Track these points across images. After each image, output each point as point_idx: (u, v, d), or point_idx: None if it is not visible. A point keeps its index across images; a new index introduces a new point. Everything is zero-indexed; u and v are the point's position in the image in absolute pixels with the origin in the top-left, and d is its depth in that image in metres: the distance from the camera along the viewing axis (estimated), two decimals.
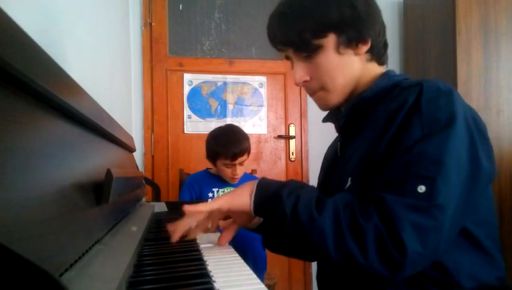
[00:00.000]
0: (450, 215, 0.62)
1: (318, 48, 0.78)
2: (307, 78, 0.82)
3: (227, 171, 1.67)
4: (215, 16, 2.49)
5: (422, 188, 0.62)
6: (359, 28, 0.78)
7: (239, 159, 1.64)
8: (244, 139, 1.67)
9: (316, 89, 0.83)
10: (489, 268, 0.72)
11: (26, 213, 0.33)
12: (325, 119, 0.96)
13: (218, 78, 2.48)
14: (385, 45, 0.86)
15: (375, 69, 0.84)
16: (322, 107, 0.87)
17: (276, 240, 0.91)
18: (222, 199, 0.74)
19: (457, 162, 0.64)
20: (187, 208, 0.74)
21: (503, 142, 2.10)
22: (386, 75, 0.83)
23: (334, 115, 0.92)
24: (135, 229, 0.75)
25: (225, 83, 2.48)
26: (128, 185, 0.84)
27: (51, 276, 0.25)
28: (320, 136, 2.55)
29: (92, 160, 0.63)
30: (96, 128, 0.68)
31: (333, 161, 0.94)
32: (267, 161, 2.53)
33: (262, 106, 2.53)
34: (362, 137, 0.80)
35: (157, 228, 0.95)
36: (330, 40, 0.78)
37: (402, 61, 2.66)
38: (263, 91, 2.53)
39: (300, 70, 0.82)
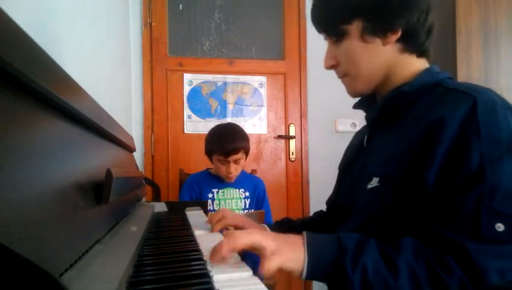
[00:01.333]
0: None
1: (344, 34, 0.78)
2: (334, 62, 0.83)
3: (221, 168, 1.67)
4: (215, 16, 2.49)
5: (500, 227, 0.59)
6: (388, 17, 0.75)
7: (233, 157, 1.63)
8: (241, 137, 1.66)
9: (341, 75, 0.84)
10: None
11: (26, 213, 0.33)
12: (356, 106, 0.92)
13: (218, 78, 2.48)
14: (428, 32, 0.78)
15: (414, 62, 0.80)
16: (350, 93, 0.86)
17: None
18: (277, 259, 0.60)
19: None
20: (244, 240, 0.61)
21: None
22: (429, 71, 0.78)
23: (366, 102, 0.89)
24: (135, 229, 0.75)
25: (225, 83, 2.48)
26: (128, 185, 0.84)
27: (51, 276, 0.25)
28: (320, 136, 2.55)
29: (92, 160, 0.63)
30: (96, 128, 0.68)
31: (357, 150, 0.90)
32: (267, 161, 2.53)
33: (262, 106, 2.53)
34: (395, 134, 0.76)
35: (157, 228, 0.95)
36: (355, 27, 0.77)
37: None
38: (263, 91, 2.53)
39: (328, 54, 0.83)
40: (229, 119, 2.44)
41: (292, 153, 2.54)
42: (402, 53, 0.79)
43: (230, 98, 2.49)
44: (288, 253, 0.62)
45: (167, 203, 1.35)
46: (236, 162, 1.66)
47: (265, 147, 2.53)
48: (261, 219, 1.57)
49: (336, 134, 2.51)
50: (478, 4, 2.12)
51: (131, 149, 1.22)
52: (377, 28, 0.76)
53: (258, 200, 1.79)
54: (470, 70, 2.11)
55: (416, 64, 0.80)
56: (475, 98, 0.65)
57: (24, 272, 0.24)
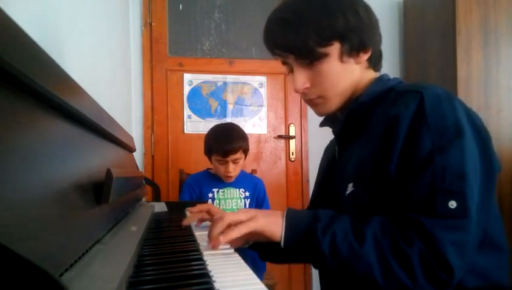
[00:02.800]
0: (476, 221, 0.65)
1: (322, 56, 0.78)
2: (308, 85, 0.82)
3: (220, 168, 1.67)
4: (215, 16, 2.49)
5: (453, 204, 0.64)
6: (362, 37, 0.79)
7: (231, 157, 1.63)
8: (240, 137, 1.66)
9: (315, 96, 0.83)
10: (497, 259, 0.74)
11: (26, 213, 0.33)
12: (323, 124, 0.96)
13: (218, 78, 2.48)
14: (380, 53, 0.87)
15: (370, 75, 0.86)
16: (320, 113, 0.88)
17: (272, 253, 0.92)
18: (259, 222, 0.71)
19: (474, 169, 0.67)
20: (230, 217, 0.72)
21: (503, 142, 2.10)
22: (380, 79, 0.84)
23: (331, 119, 0.92)
24: (135, 229, 0.75)
25: (225, 83, 2.48)
26: (128, 185, 0.84)
27: (51, 276, 0.25)
28: (320, 136, 2.54)
29: (92, 160, 0.63)
30: (96, 128, 0.68)
31: (331, 164, 0.94)
32: (267, 161, 2.53)
33: (262, 106, 2.53)
34: (361, 142, 0.80)
35: (157, 228, 0.95)
36: (335, 48, 0.78)
37: (402, 61, 2.66)
38: (263, 91, 2.53)
39: (301, 77, 0.81)
40: (229, 119, 2.44)
41: (292, 153, 2.54)
42: (366, 70, 0.85)
43: (230, 98, 2.49)
44: (272, 219, 0.72)
45: (167, 203, 1.35)
46: (235, 162, 1.66)
47: (265, 147, 2.53)
48: None
49: None
50: (478, 4, 2.12)
51: (131, 149, 1.22)
52: (354, 48, 0.79)
53: (258, 200, 1.79)
54: (470, 70, 2.11)
55: (372, 77, 0.86)
56: (422, 94, 0.71)
57: (24, 272, 0.24)
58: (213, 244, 0.70)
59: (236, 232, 0.70)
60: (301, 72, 0.81)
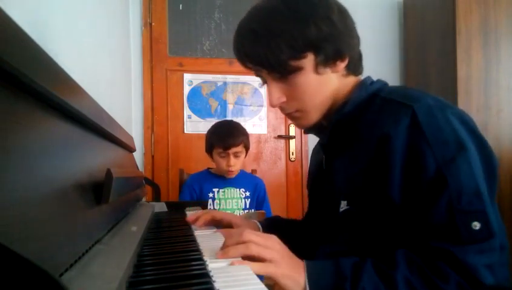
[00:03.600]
0: (498, 234, 0.64)
1: (296, 70, 0.72)
2: (284, 99, 0.77)
3: (222, 163, 1.68)
4: (215, 16, 2.49)
5: (476, 225, 0.61)
6: (337, 44, 0.73)
7: (233, 149, 1.65)
8: (240, 133, 1.68)
9: (292, 110, 0.79)
10: (500, 260, 0.72)
11: (26, 213, 0.33)
12: (307, 131, 0.89)
13: (218, 78, 2.48)
14: (360, 57, 0.82)
15: (351, 81, 0.81)
16: (300, 127, 0.84)
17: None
18: (280, 271, 0.64)
19: (482, 179, 0.64)
20: (256, 242, 0.64)
21: (503, 142, 2.10)
22: (362, 85, 0.79)
23: (315, 126, 0.87)
24: (135, 229, 0.75)
25: (225, 83, 2.48)
26: (128, 185, 0.84)
27: (51, 276, 0.25)
28: None
29: (92, 160, 0.63)
30: (96, 128, 0.68)
31: (318, 171, 0.91)
32: (267, 161, 2.53)
33: (262, 106, 2.53)
34: (349, 154, 0.77)
35: (157, 228, 0.95)
36: (309, 60, 0.72)
37: (402, 61, 2.66)
38: (263, 91, 2.53)
39: (276, 92, 0.76)
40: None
41: (292, 153, 2.54)
42: (345, 77, 0.80)
43: (230, 98, 2.49)
44: (287, 270, 0.64)
45: (167, 203, 1.35)
46: (236, 155, 1.67)
47: (265, 147, 2.53)
48: (261, 219, 1.57)
49: None
50: (478, 4, 2.12)
51: (131, 149, 1.22)
52: (329, 57, 0.74)
53: (258, 200, 1.79)
54: (470, 71, 2.11)
55: (354, 83, 0.81)
56: (413, 108, 0.66)
57: (24, 272, 0.24)
58: (221, 254, 0.63)
59: (252, 266, 0.61)
60: (275, 86, 0.76)
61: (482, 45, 2.12)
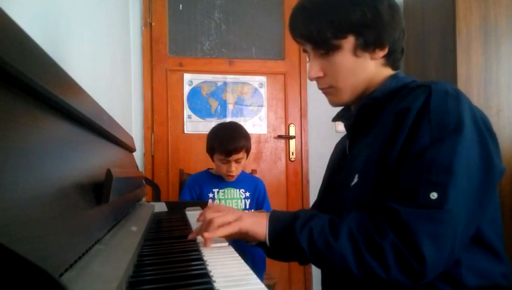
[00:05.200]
0: (463, 218, 0.65)
1: (336, 48, 0.79)
2: (321, 74, 0.83)
3: (222, 167, 1.67)
4: (215, 16, 2.49)
5: (434, 195, 0.65)
6: (379, 33, 0.79)
7: (234, 156, 1.63)
8: (242, 137, 1.66)
9: (326, 86, 0.85)
10: (495, 264, 0.74)
11: (26, 213, 0.33)
12: (335, 118, 0.98)
13: (218, 78, 2.48)
14: (402, 51, 0.87)
15: (387, 73, 0.86)
16: (331, 103, 0.89)
17: (279, 251, 0.92)
18: (244, 223, 0.76)
19: (466, 166, 0.66)
20: (219, 220, 0.76)
21: (503, 142, 2.10)
22: (395, 76, 0.84)
23: (344, 114, 0.94)
24: (135, 229, 0.75)
25: (225, 83, 2.48)
26: (128, 185, 0.84)
27: (51, 276, 0.25)
28: (320, 136, 2.55)
29: (92, 160, 0.63)
30: (96, 128, 0.68)
31: (341, 158, 0.95)
32: (267, 161, 2.53)
33: (262, 106, 2.53)
34: (371, 136, 0.81)
35: (157, 228, 0.95)
36: (349, 41, 0.79)
37: (402, 61, 2.66)
38: (263, 91, 2.53)
39: (315, 66, 0.83)
40: (229, 120, 2.44)
41: (292, 153, 2.54)
42: (383, 67, 0.85)
43: (230, 98, 2.49)
44: (257, 220, 0.77)
45: (167, 203, 1.35)
46: (237, 161, 1.66)
47: (265, 147, 2.53)
48: None
49: (336, 134, 2.51)
50: (478, 4, 2.12)
51: (131, 149, 1.22)
52: (369, 43, 0.79)
53: (258, 201, 1.79)
54: (470, 70, 2.11)
55: (388, 74, 0.86)
56: (431, 88, 0.72)
57: (24, 272, 0.24)
58: (206, 244, 0.74)
59: (222, 232, 0.74)
60: (316, 61, 0.83)
61: (482, 45, 2.12)
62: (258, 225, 0.76)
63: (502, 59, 2.14)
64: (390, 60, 0.85)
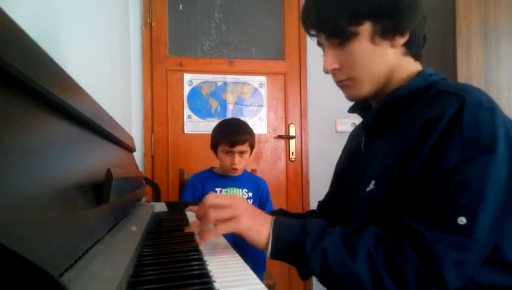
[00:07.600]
0: (489, 245, 0.62)
1: (352, 36, 0.75)
2: (337, 66, 0.79)
3: (226, 160, 1.68)
4: (215, 16, 2.49)
5: (462, 220, 0.60)
6: (398, 19, 0.74)
7: (239, 147, 1.65)
8: (246, 131, 1.69)
9: (343, 78, 0.80)
10: (508, 279, 0.69)
11: (26, 213, 0.33)
12: (352, 110, 0.92)
13: (218, 78, 2.48)
14: (424, 38, 0.82)
15: (410, 65, 0.81)
16: (350, 97, 0.83)
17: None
18: (241, 226, 0.68)
19: (496, 188, 0.62)
20: (214, 215, 0.69)
21: None
22: (422, 74, 0.79)
23: (361, 106, 0.89)
24: (135, 229, 0.75)
25: (225, 83, 2.48)
26: (128, 185, 0.84)
27: (51, 276, 0.25)
28: (320, 136, 2.55)
29: (92, 160, 0.63)
30: (96, 128, 0.68)
31: (355, 155, 0.91)
32: (267, 161, 2.53)
33: (262, 106, 2.53)
34: (392, 138, 0.76)
35: (157, 228, 0.95)
36: (366, 28, 0.74)
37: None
38: (263, 91, 2.53)
39: (330, 58, 0.78)
40: None
41: (292, 153, 2.54)
42: (404, 57, 0.79)
43: (230, 98, 2.49)
44: (256, 226, 0.69)
45: (167, 203, 1.35)
46: (241, 154, 1.67)
47: (265, 147, 2.53)
48: None
49: (336, 134, 2.51)
50: (478, 4, 2.12)
51: (131, 149, 1.22)
52: (388, 30, 0.75)
53: (261, 201, 1.79)
54: (470, 70, 2.11)
55: (412, 68, 0.81)
56: (464, 99, 0.66)
57: (24, 272, 0.24)
58: (199, 243, 0.71)
59: (214, 234, 0.69)
60: (331, 52, 0.78)
61: (482, 45, 2.12)
62: (257, 233, 0.69)
63: (502, 59, 2.14)
64: (412, 49, 0.79)
